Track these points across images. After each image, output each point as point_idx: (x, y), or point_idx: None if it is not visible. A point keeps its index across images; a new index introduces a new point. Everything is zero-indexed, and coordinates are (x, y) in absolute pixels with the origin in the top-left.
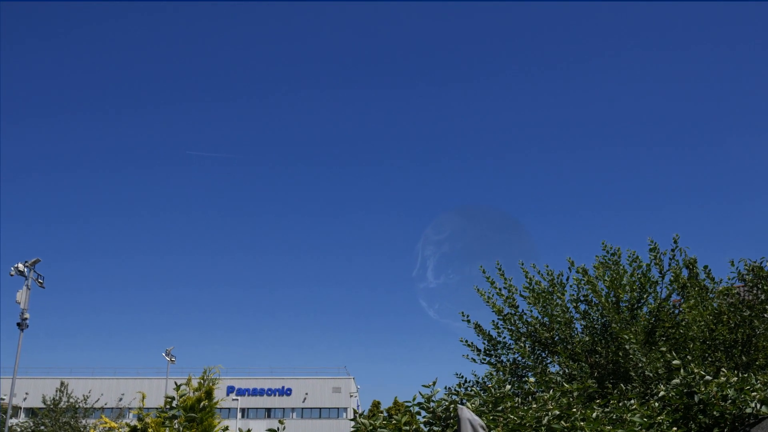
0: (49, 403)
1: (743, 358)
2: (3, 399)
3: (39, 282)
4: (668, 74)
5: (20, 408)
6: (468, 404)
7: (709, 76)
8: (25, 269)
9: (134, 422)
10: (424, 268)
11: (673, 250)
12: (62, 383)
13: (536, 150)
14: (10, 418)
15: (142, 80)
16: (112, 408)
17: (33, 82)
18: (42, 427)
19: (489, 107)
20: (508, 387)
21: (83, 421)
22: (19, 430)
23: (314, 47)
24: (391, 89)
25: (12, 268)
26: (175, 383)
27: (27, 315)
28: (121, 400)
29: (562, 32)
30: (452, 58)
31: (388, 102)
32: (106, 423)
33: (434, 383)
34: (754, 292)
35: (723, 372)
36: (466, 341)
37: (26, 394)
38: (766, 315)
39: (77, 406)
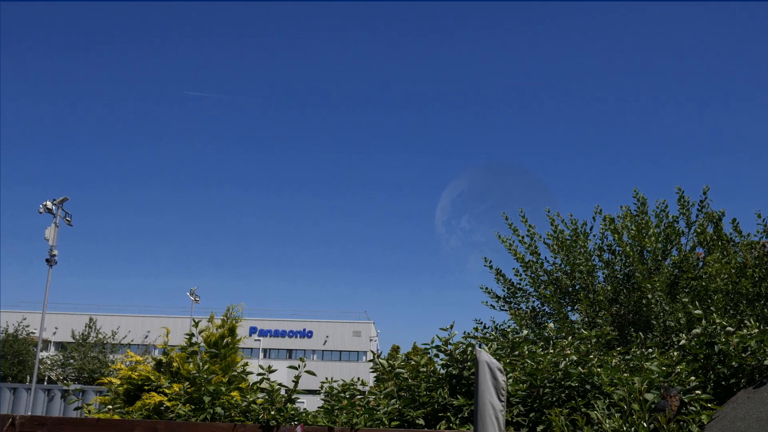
0: (78, 338)
1: (765, 311)
2: (34, 333)
3: (67, 220)
4: (702, 21)
5: (50, 342)
6: (486, 348)
7: (742, 23)
8: (53, 207)
9: (159, 357)
10: (447, 221)
11: (702, 201)
12: (90, 319)
13: (556, 100)
14: (41, 351)
15: (144, 18)
16: (138, 344)
17: (36, 25)
18: (71, 361)
19: (512, 56)
20: (526, 332)
21: (111, 356)
22: (49, 362)
23: None
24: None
25: (41, 206)
26: (193, 319)
27: (55, 252)
28: (146, 337)
29: None
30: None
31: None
32: (132, 357)
33: (452, 326)
34: None
35: (746, 323)
36: (486, 288)
37: (56, 328)
38: None
39: (105, 341)
